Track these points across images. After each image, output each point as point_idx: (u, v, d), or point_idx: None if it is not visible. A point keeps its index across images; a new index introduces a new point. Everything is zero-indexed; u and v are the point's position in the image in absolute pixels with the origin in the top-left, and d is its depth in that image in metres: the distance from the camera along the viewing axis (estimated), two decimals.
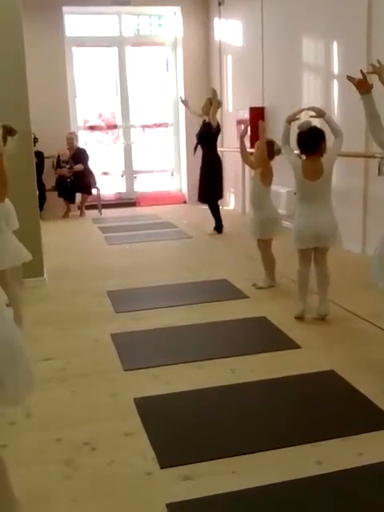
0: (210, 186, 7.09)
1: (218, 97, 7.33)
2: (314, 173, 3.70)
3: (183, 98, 7.98)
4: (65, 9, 9.27)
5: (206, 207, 7.34)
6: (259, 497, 2.10)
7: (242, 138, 4.93)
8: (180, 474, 2.23)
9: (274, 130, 7.54)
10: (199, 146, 7.20)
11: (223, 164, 7.46)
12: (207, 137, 7.01)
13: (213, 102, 6.97)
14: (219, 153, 7.33)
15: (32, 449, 2.46)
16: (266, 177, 4.59)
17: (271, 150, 4.56)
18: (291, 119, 3.85)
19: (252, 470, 2.26)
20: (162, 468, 2.27)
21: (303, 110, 3.94)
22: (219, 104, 7.22)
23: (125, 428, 2.58)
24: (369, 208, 5.57)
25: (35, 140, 8.34)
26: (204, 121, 7.12)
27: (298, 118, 3.87)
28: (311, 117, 3.79)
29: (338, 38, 6.03)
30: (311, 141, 3.69)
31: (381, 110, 2.98)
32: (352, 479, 2.17)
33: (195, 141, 7.23)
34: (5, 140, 3.49)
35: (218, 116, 7.22)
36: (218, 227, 7.19)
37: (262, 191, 4.63)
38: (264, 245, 4.72)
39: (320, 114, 3.77)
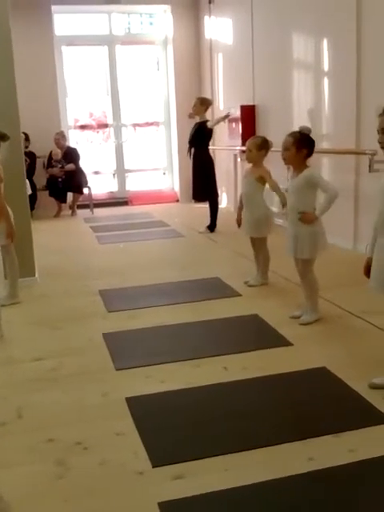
0: (208, 185, 7.08)
1: (210, 97, 7.43)
2: None
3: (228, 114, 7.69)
4: (54, 8, 9.24)
5: (199, 205, 7.35)
6: (251, 494, 2.09)
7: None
8: (172, 472, 2.22)
9: (265, 128, 7.58)
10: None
11: (215, 162, 7.48)
12: (201, 137, 7.01)
13: (223, 119, 7.36)
14: (210, 151, 7.32)
15: (23, 449, 2.45)
16: (263, 179, 4.58)
17: (265, 148, 4.55)
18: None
19: (244, 467, 2.26)
20: (153, 467, 2.27)
21: None
22: (210, 103, 7.23)
23: (117, 427, 2.57)
24: (360, 205, 5.58)
25: (27, 140, 8.34)
26: (196, 123, 7.13)
27: None
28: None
29: (328, 36, 6.04)
30: None
31: None
32: (344, 476, 2.17)
33: (187, 140, 7.22)
34: None
35: (208, 114, 7.26)
36: (212, 226, 7.18)
37: (257, 189, 4.62)
38: (259, 242, 4.71)
39: None
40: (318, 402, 2.76)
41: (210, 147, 7.27)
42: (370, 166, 4.88)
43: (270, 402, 2.78)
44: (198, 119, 7.14)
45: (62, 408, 2.80)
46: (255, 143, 4.58)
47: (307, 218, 3.60)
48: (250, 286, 4.67)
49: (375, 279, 2.75)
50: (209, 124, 7.03)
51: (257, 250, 4.76)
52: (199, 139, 7.04)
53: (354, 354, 3.26)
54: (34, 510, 2.07)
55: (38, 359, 3.40)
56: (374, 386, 2.80)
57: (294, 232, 3.73)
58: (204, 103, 7.14)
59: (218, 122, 7.45)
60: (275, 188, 4.52)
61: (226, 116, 7.42)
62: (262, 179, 4.58)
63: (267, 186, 4.61)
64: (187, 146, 7.24)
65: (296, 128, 3.76)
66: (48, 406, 2.84)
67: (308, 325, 3.73)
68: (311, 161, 3.74)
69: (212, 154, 7.43)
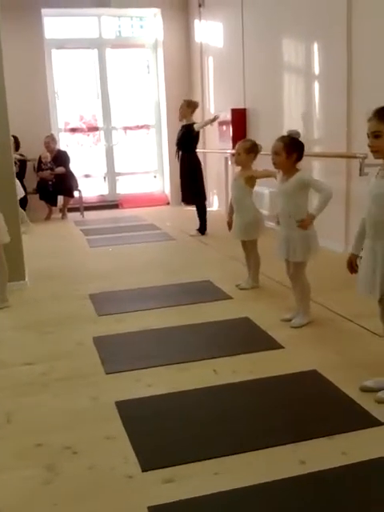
0: (197, 188, 7.07)
1: (199, 100, 7.42)
2: None
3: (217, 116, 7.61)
4: (44, 11, 9.23)
5: (190, 208, 7.35)
6: (242, 498, 2.08)
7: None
8: (162, 476, 2.21)
9: (256, 131, 7.59)
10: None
11: (206, 165, 7.49)
12: (189, 140, 7.00)
13: (211, 122, 7.29)
14: (199, 154, 7.32)
15: (12, 454, 2.42)
16: (253, 179, 4.59)
17: (254, 151, 4.56)
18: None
19: (234, 471, 2.25)
20: (143, 471, 2.25)
21: None
22: (196, 105, 7.22)
23: (106, 431, 2.56)
24: (351, 208, 5.60)
25: (16, 143, 8.30)
26: (182, 126, 7.11)
27: None
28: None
29: (319, 40, 6.06)
30: None
31: None
32: (336, 478, 2.16)
33: (176, 146, 7.21)
34: None
35: (198, 117, 7.26)
36: (202, 228, 7.18)
37: (246, 193, 4.62)
38: (250, 245, 4.70)
39: None
40: (308, 405, 2.75)
41: (201, 150, 7.30)
42: (360, 170, 4.89)
43: (260, 405, 2.78)
44: (184, 122, 7.11)
45: (52, 412, 2.78)
46: (244, 147, 4.59)
47: (305, 224, 3.59)
48: (242, 289, 4.67)
49: (361, 282, 2.75)
50: (195, 127, 7.01)
51: (248, 253, 4.76)
52: (187, 142, 7.03)
53: (345, 356, 3.25)
54: None
55: (27, 363, 3.37)
56: (365, 389, 2.80)
57: (285, 235, 3.73)
58: (190, 106, 7.11)
59: (206, 124, 7.45)
60: (267, 173, 4.50)
61: (214, 119, 7.36)
62: (251, 181, 4.58)
63: (256, 188, 4.64)
64: (174, 148, 7.23)
65: (286, 131, 3.77)
66: (37, 410, 2.82)
67: (299, 328, 3.73)
68: (302, 164, 3.75)
69: (202, 157, 7.44)
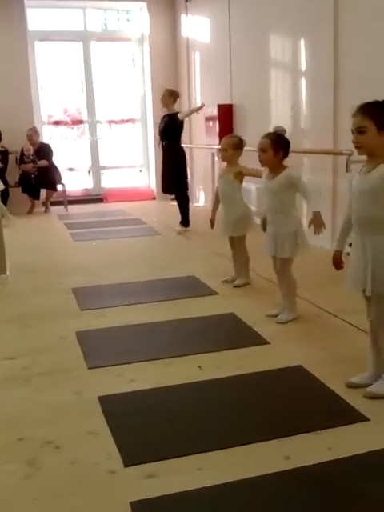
0: (178, 178, 6.93)
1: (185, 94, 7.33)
2: None
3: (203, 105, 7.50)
4: (27, 2, 9.11)
5: (176, 203, 7.27)
6: (225, 493, 2.06)
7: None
8: (144, 472, 2.18)
9: (243, 127, 7.57)
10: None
11: (192, 161, 7.44)
12: (173, 130, 6.87)
13: (196, 111, 7.19)
14: (186, 149, 7.27)
15: None
16: (241, 175, 4.54)
17: (241, 147, 4.53)
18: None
19: (218, 466, 2.22)
20: (125, 466, 2.22)
21: None
22: (178, 95, 7.11)
23: (89, 426, 2.52)
24: (338, 205, 5.59)
25: None
26: (164, 116, 6.98)
27: None
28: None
29: (305, 36, 6.05)
30: None
31: None
32: (321, 474, 2.15)
33: (159, 136, 7.11)
34: None
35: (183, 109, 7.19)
36: (184, 221, 7.06)
37: (235, 188, 4.58)
38: (238, 241, 4.65)
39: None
40: (293, 401, 2.74)
41: (188, 146, 7.24)
42: (347, 166, 4.89)
43: (245, 400, 2.75)
44: (166, 111, 6.97)
45: (34, 407, 2.74)
46: (232, 143, 4.55)
47: (319, 225, 3.40)
48: (236, 286, 4.58)
49: (350, 278, 2.74)
50: (180, 116, 6.87)
51: (235, 249, 4.72)
52: (171, 132, 6.88)
53: (330, 352, 3.24)
54: (4, 510, 2.01)
55: (9, 358, 3.33)
56: (351, 385, 2.79)
57: (273, 232, 3.71)
58: (172, 95, 6.95)
59: (191, 113, 7.31)
60: (256, 172, 4.44)
61: (200, 107, 7.22)
62: (240, 176, 4.55)
63: (243, 184, 4.60)
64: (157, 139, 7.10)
65: (272, 128, 3.74)
66: (19, 404, 2.78)
67: (285, 323, 3.72)
68: (288, 161, 3.72)
69: (189, 153, 7.39)
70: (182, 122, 6.91)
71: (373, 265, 2.59)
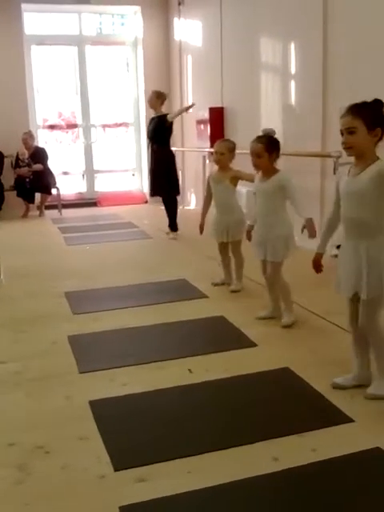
0: (167, 181, 6.82)
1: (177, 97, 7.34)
2: None
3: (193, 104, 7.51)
4: (24, 6, 9.15)
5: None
6: (215, 496, 2.09)
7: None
8: (134, 476, 2.22)
9: (233, 130, 7.62)
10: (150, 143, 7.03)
11: (183, 164, 7.46)
12: (161, 132, 6.79)
13: (186, 110, 7.18)
14: (177, 153, 7.27)
15: None
16: (237, 180, 4.56)
17: (234, 151, 4.56)
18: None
19: (207, 469, 2.26)
20: (116, 470, 2.25)
21: None
22: (166, 97, 7.05)
23: (80, 431, 2.55)
24: (326, 207, 5.63)
25: None
26: (152, 118, 6.92)
27: None
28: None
29: (295, 40, 6.11)
30: None
31: None
32: (307, 475, 2.19)
33: (148, 139, 7.09)
34: None
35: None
36: (172, 225, 6.96)
37: (232, 193, 4.59)
38: (234, 246, 4.65)
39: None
40: (281, 403, 2.78)
41: (180, 149, 7.26)
42: (334, 169, 4.94)
43: (232, 403, 2.79)
44: (153, 114, 6.92)
45: (25, 412, 2.77)
46: (228, 146, 4.55)
47: (314, 231, 3.47)
48: (233, 291, 4.57)
49: (342, 282, 2.73)
50: (169, 117, 6.77)
51: (226, 254, 4.73)
52: (160, 134, 6.79)
53: (316, 354, 3.29)
54: None
55: (0, 362, 3.35)
56: (336, 386, 2.83)
57: (263, 235, 3.74)
58: (160, 97, 6.85)
59: (180, 113, 7.27)
60: (251, 177, 4.44)
61: (190, 106, 7.18)
62: (235, 180, 4.56)
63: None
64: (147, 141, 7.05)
65: (262, 130, 3.78)
66: (10, 409, 2.80)
67: (287, 327, 3.73)
68: (277, 164, 3.77)
69: (180, 156, 7.42)
70: (171, 124, 6.81)
71: (368, 269, 2.58)
